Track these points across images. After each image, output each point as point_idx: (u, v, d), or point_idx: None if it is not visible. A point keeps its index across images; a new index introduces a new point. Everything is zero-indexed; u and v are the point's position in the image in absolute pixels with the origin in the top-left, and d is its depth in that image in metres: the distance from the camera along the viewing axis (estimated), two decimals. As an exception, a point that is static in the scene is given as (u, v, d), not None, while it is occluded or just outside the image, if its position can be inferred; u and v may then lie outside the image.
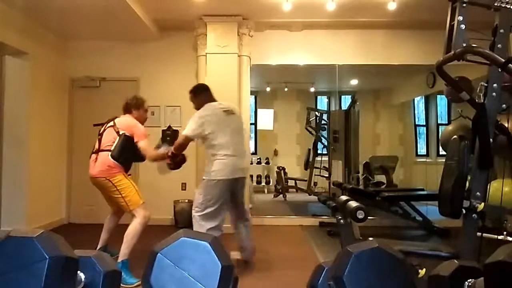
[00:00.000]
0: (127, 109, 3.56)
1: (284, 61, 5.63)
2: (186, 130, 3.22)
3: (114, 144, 3.28)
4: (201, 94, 3.47)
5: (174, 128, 4.05)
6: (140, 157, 3.48)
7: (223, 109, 3.35)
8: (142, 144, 3.32)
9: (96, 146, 3.41)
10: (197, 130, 3.20)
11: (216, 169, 3.18)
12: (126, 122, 3.41)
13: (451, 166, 2.40)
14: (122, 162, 3.30)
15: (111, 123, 3.41)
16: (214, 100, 3.45)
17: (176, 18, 5.17)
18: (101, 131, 3.45)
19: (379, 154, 7.96)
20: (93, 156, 3.38)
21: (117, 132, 3.32)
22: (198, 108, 3.37)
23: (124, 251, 3.18)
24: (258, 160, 8.78)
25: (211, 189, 3.18)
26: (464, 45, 2.07)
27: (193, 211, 3.24)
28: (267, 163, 8.78)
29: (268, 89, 8.44)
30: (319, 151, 7.82)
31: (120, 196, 3.25)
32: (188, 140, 3.25)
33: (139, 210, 3.28)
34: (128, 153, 3.33)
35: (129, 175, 3.44)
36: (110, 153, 3.26)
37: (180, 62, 5.53)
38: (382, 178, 7.10)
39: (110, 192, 3.30)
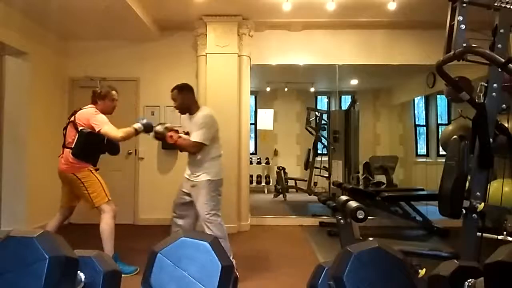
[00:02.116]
0: (92, 100, 3.52)
1: (284, 61, 5.64)
2: (203, 138, 3.18)
3: (74, 141, 3.26)
4: (193, 93, 3.44)
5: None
6: (111, 149, 3.47)
7: None
8: (104, 130, 3.24)
9: (63, 141, 3.41)
10: (210, 135, 3.23)
11: (219, 169, 3.32)
12: (84, 115, 3.33)
13: (451, 166, 2.40)
14: (85, 158, 3.29)
15: (72, 118, 3.37)
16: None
17: (176, 18, 5.17)
18: (65, 125, 3.43)
19: (379, 154, 7.96)
20: (61, 151, 3.39)
21: (76, 128, 3.29)
22: (184, 105, 3.35)
23: (107, 249, 3.26)
24: (258, 160, 8.78)
25: (218, 186, 3.30)
26: (464, 45, 2.07)
27: (207, 215, 3.20)
28: (267, 163, 8.78)
29: (268, 89, 8.44)
30: (319, 151, 7.82)
31: (86, 192, 3.29)
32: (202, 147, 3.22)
33: (105, 206, 3.34)
34: (90, 148, 3.31)
35: (97, 169, 3.42)
36: (71, 150, 3.27)
37: (180, 62, 5.53)
38: (382, 178, 7.10)
39: (77, 187, 3.32)
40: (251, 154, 6.95)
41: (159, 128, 3.28)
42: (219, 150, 3.38)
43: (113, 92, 3.57)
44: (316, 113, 8.04)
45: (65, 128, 3.40)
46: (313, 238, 4.73)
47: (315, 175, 7.62)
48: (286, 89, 8.61)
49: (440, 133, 7.25)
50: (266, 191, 8.57)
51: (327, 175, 7.08)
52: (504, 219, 3.02)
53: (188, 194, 3.33)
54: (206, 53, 5.14)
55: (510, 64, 1.90)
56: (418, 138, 8.11)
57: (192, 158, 3.32)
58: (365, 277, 0.66)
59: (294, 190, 8.09)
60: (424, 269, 2.14)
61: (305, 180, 7.78)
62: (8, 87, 4.68)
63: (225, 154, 5.18)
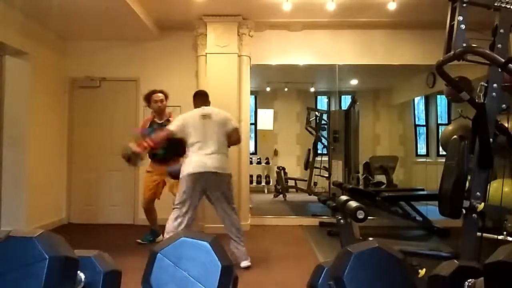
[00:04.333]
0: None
1: (284, 61, 5.63)
2: (172, 125, 3.61)
3: None
4: (194, 99, 3.78)
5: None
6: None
7: (202, 114, 3.59)
8: None
9: None
10: (178, 127, 3.53)
11: (189, 165, 3.50)
12: None
13: (451, 166, 2.40)
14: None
15: None
16: (202, 105, 3.69)
17: (176, 18, 5.17)
18: None
19: (379, 154, 7.96)
20: None
21: None
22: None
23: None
24: (258, 160, 8.78)
25: (185, 182, 3.49)
26: (464, 45, 2.07)
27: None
28: (267, 163, 8.78)
29: (268, 89, 8.44)
30: (319, 151, 7.81)
31: None
32: (171, 134, 3.53)
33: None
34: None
35: (148, 171, 4.35)
36: None
37: (180, 62, 5.53)
38: (382, 178, 7.10)
39: None
40: (251, 154, 6.94)
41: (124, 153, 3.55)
42: (194, 147, 3.47)
43: (154, 94, 4.28)
44: (316, 113, 8.04)
45: None
46: (313, 238, 4.72)
47: (315, 175, 7.61)
48: (286, 89, 8.60)
49: (440, 133, 7.24)
50: (266, 191, 8.57)
51: (327, 175, 7.08)
52: (504, 219, 3.02)
53: None
54: (206, 53, 5.14)
55: (510, 64, 1.90)
56: (418, 138, 8.11)
57: None
58: (365, 277, 0.66)
59: (294, 190, 8.09)
60: (424, 269, 2.14)
61: (305, 180, 7.78)
62: (8, 87, 4.68)
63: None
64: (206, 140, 3.47)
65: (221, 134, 3.55)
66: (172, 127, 3.55)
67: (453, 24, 2.15)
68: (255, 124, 8.73)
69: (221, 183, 3.49)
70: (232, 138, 3.64)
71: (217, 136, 3.51)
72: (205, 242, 0.66)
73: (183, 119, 3.57)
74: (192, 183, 3.39)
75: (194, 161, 3.45)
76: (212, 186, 3.47)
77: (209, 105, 3.73)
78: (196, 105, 3.68)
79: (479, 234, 2.24)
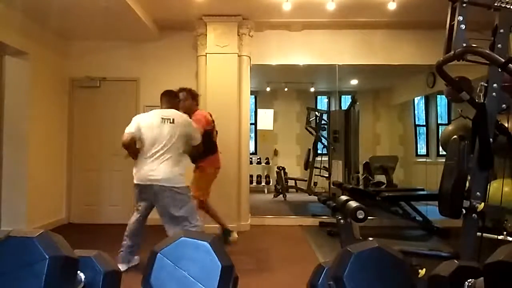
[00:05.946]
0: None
1: (284, 61, 5.63)
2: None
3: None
4: (160, 99, 3.48)
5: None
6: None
7: (162, 116, 3.28)
8: None
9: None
10: (135, 129, 3.28)
11: (135, 172, 3.36)
12: None
13: (451, 166, 2.39)
14: None
15: None
16: (167, 107, 3.42)
17: (176, 18, 5.17)
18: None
19: (379, 154, 7.96)
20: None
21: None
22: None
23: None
24: (258, 160, 8.78)
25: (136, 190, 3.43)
26: (464, 45, 2.06)
27: None
28: (267, 163, 8.78)
29: (268, 89, 8.44)
30: (319, 151, 7.82)
31: None
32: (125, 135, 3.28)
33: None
34: None
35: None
36: None
37: (180, 62, 5.53)
38: (382, 178, 7.10)
39: None
40: (251, 154, 6.94)
41: None
42: (143, 151, 3.27)
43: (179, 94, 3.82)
44: (316, 113, 8.04)
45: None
46: (313, 238, 4.72)
47: (315, 175, 7.62)
48: (286, 89, 8.61)
49: (440, 133, 7.24)
50: (266, 191, 8.57)
51: (327, 175, 7.08)
52: (504, 219, 3.02)
53: None
54: (206, 53, 5.14)
55: (510, 64, 1.90)
56: (418, 138, 8.11)
57: None
58: (365, 277, 0.66)
59: (294, 190, 8.09)
60: (424, 269, 2.14)
61: (305, 180, 7.78)
62: (8, 87, 4.68)
63: (225, 154, 5.19)
64: (160, 145, 3.20)
65: (180, 143, 3.26)
66: (131, 128, 3.28)
67: (453, 24, 2.15)
68: (255, 124, 8.73)
69: (165, 197, 3.20)
70: (195, 150, 3.46)
71: (174, 144, 3.22)
72: (205, 242, 0.66)
73: (137, 119, 3.33)
74: (138, 193, 3.36)
75: (139, 170, 3.25)
76: (157, 199, 3.24)
77: (176, 108, 3.45)
78: (162, 106, 3.42)
79: (479, 234, 2.24)
